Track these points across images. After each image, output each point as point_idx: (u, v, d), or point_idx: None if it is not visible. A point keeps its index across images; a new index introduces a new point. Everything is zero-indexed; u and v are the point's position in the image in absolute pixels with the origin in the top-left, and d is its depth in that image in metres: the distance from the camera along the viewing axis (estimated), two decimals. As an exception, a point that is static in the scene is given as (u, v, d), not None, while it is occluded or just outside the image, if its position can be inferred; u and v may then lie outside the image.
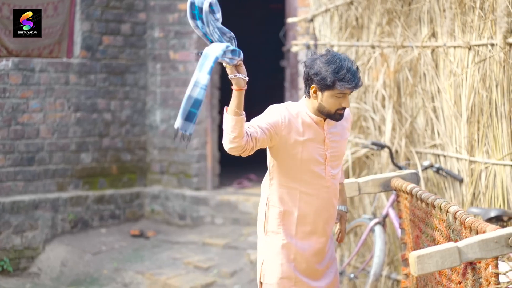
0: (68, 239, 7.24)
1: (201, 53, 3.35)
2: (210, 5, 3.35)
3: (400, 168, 5.47)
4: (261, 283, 3.80)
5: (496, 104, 4.96)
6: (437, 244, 3.65)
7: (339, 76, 3.56)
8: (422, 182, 5.54)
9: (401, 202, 4.39)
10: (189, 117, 3.37)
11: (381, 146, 5.59)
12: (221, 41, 3.41)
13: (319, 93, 3.63)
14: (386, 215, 5.40)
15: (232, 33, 3.45)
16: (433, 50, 5.54)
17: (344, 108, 3.65)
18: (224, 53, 3.35)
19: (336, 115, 3.67)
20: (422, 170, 5.54)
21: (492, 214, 4.71)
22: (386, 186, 4.40)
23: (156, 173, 8.22)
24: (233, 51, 3.38)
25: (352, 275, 5.68)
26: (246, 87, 3.45)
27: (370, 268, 5.48)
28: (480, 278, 3.23)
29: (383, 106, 5.91)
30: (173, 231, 7.82)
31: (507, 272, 3.19)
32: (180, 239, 7.51)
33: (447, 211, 3.59)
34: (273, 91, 9.17)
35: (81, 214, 7.51)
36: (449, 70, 5.39)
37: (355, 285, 5.98)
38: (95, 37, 7.70)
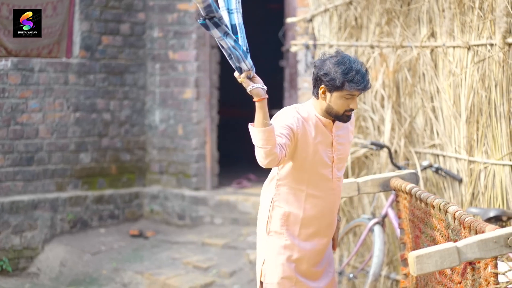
0: (67, 239, 7.23)
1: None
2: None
3: (399, 168, 5.47)
4: (261, 282, 3.81)
5: (495, 104, 4.96)
6: (437, 244, 3.65)
7: (349, 77, 3.58)
8: (421, 182, 5.54)
9: (400, 202, 4.40)
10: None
11: (380, 146, 5.59)
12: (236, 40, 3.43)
13: (327, 94, 3.65)
14: (385, 215, 5.40)
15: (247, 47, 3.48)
16: (432, 50, 5.54)
17: (352, 110, 3.67)
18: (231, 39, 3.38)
19: (344, 117, 3.69)
20: (421, 170, 5.54)
21: (491, 214, 4.71)
22: (385, 186, 4.40)
23: (155, 173, 8.22)
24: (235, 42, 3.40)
25: (351, 275, 5.68)
26: (267, 96, 3.45)
27: (369, 268, 5.47)
28: (480, 278, 3.23)
29: (382, 106, 5.91)
30: (172, 231, 7.82)
31: (506, 272, 3.19)
32: (179, 239, 7.51)
33: (446, 211, 3.59)
34: (272, 91, 9.15)
35: (80, 214, 7.51)
36: (448, 70, 5.39)
37: (354, 285, 5.98)
38: (94, 37, 7.70)
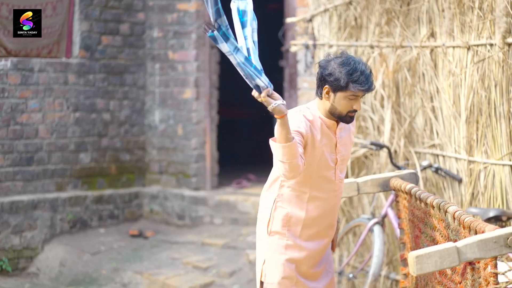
0: (67, 239, 7.23)
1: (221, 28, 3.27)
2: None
3: (399, 168, 5.47)
4: (261, 282, 3.81)
5: (495, 104, 4.96)
6: (437, 244, 3.65)
7: (353, 77, 3.59)
8: (421, 182, 5.54)
9: (400, 202, 4.40)
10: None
11: (380, 146, 5.59)
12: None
13: (331, 94, 3.66)
14: (385, 215, 5.40)
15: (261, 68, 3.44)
16: (432, 50, 5.54)
17: (355, 111, 3.68)
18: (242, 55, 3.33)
19: (347, 117, 3.70)
20: (421, 170, 5.54)
21: (491, 214, 4.71)
22: (385, 186, 4.40)
23: (155, 173, 8.22)
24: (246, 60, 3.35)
25: (351, 275, 5.68)
26: (288, 111, 3.43)
27: (369, 268, 5.47)
28: (479, 278, 3.23)
29: (382, 106, 5.91)
30: (172, 231, 7.82)
31: (506, 272, 3.19)
32: (179, 239, 7.50)
33: (446, 211, 3.59)
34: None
35: (80, 214, 7.50)
36: (448, 70, 5.39)
37: (354, 285, 5.98)
38: (94, 37, 7.70)
